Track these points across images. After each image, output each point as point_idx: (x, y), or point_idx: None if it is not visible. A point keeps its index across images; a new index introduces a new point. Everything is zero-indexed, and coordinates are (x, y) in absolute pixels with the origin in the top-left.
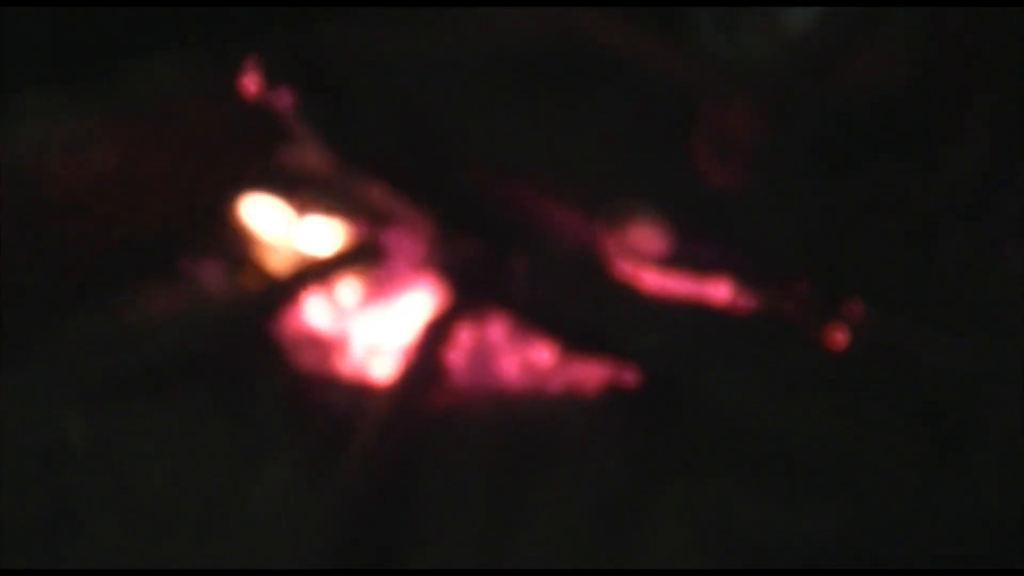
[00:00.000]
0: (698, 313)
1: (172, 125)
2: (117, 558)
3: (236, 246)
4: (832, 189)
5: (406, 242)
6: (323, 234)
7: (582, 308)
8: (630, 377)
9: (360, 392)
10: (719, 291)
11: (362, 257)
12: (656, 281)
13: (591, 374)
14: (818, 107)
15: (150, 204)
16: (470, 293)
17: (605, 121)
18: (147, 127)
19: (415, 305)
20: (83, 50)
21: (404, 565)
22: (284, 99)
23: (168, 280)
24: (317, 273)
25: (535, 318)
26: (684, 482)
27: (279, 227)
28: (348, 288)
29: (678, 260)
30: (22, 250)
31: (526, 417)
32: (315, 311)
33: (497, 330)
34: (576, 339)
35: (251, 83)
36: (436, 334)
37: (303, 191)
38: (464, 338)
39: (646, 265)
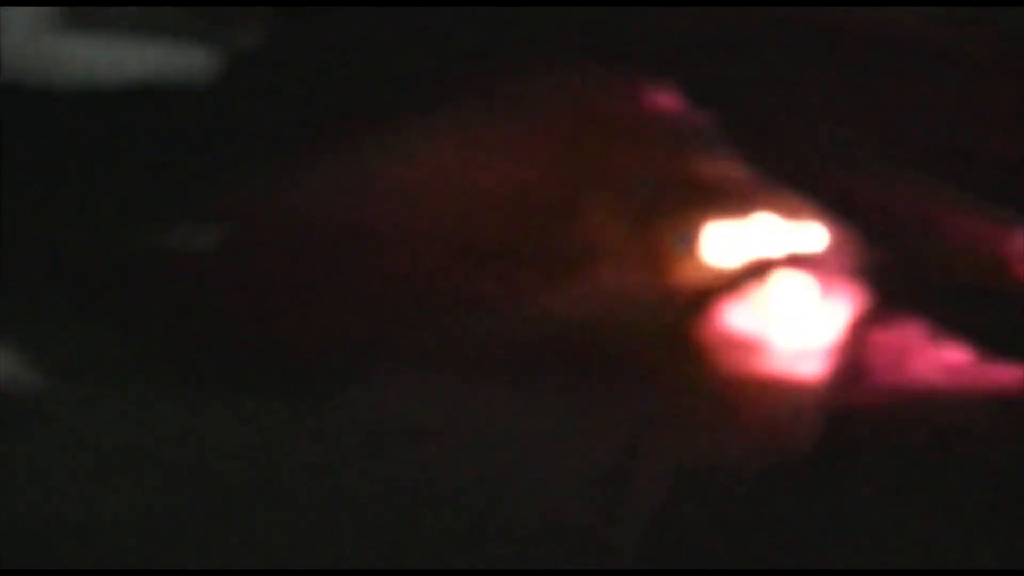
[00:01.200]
0: None
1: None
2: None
3: (661, 251)
4: None
5: (827, 248)
6: (746, 241)
7: (993, 310)
8: None
9: (787, 393)
10: None
11: (783, 263)
12: None
13: (1008, 376)
14: None
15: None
16: (887, 295)
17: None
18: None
19: (836, 308)
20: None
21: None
22: (704, 117)
23: (575, 280)
24: (744, 277)
25: (948, 320)
26: None
27: (698, 236)
28: (770, 292)
29: None
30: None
31: (945, 418)
32: (737, 314)
33: (913, 331)
34: (989, 341)
35: (668, 101)
36: (857, 336)
37: (720, 201)
38: (882, 339)
39: None
